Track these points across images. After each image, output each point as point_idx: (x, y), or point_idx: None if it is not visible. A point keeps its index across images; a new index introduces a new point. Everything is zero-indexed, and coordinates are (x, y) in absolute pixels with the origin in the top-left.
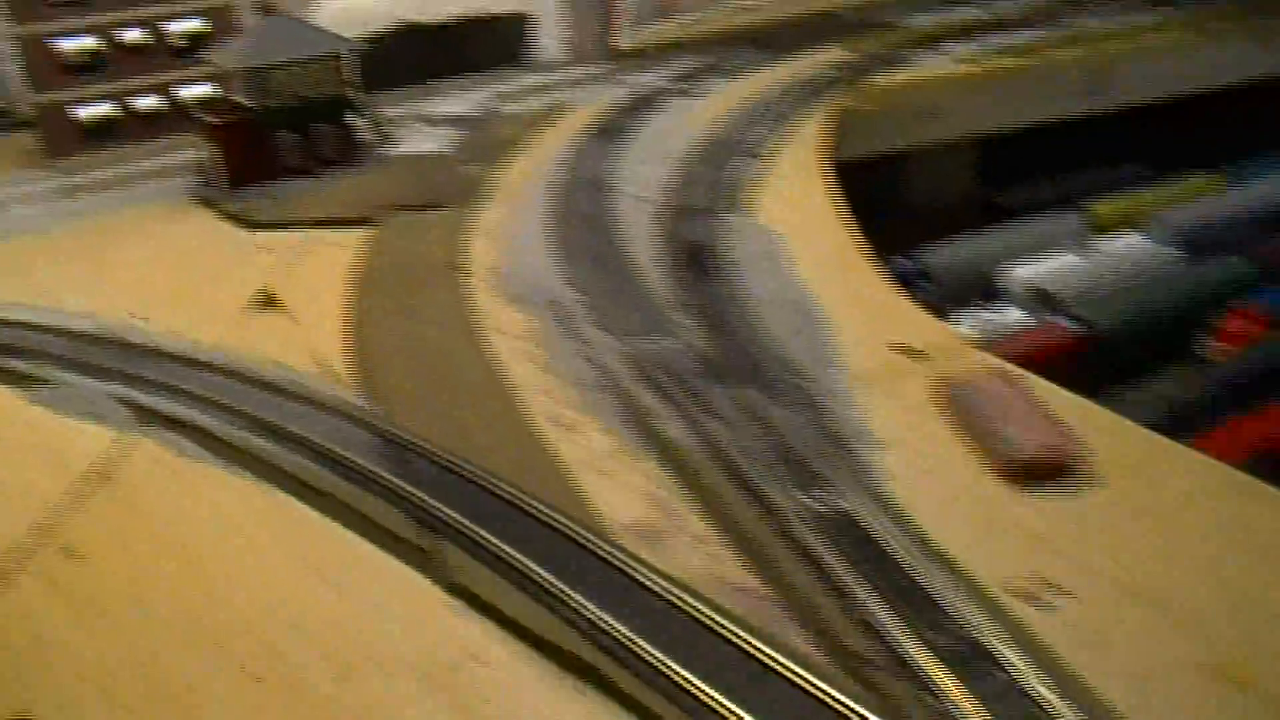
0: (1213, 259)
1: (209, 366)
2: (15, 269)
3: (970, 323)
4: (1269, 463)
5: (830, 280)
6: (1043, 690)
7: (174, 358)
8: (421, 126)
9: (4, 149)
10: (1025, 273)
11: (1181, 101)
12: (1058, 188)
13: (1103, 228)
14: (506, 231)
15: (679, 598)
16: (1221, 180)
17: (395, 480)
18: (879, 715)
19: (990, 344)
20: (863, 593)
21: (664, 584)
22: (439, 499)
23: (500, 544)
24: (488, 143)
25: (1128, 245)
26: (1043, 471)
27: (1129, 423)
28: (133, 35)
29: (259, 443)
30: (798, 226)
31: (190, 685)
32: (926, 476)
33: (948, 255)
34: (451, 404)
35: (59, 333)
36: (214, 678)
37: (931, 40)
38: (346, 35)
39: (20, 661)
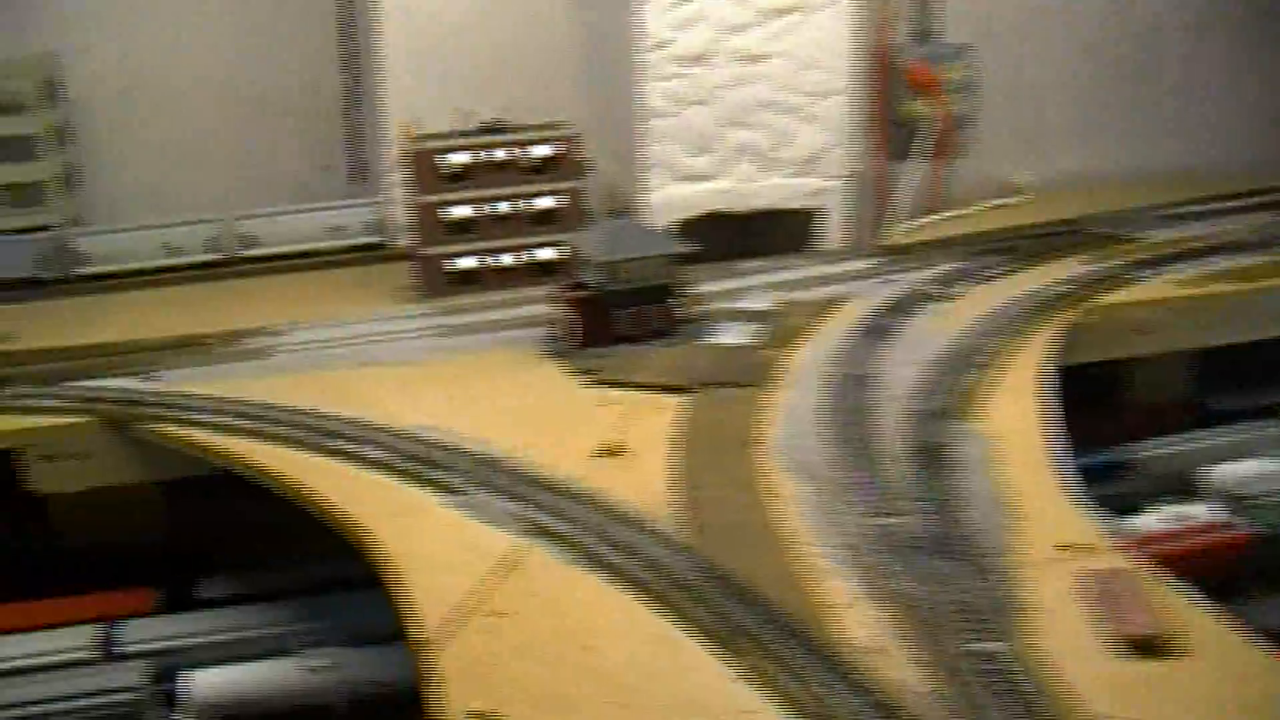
0: None
1: (571, 495)
2: (407, 392)
3: (1160, 514)
4: None
5: (1024, 482)
6: None
7: (544, 485)
8: (729, 322)
9: (382, 281)
10: (1220, 473)
11: None
12: (1270, 397)
13: None
14: (786, 414)
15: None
16: None
17: (706, 589)
18: None
19: (1149, 539)
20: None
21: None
22: (738, 609)
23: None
24: (778, 330)
25: None
26: (1139, 644)
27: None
28: (502, 207)
29: (611, 556)
30: (1010, 433)
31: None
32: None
33: (1153, 451)
34: (739, 543)
35: (459, 452)
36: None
37: (1159, 260)
38: (668, 218)
39: (482, 674)
